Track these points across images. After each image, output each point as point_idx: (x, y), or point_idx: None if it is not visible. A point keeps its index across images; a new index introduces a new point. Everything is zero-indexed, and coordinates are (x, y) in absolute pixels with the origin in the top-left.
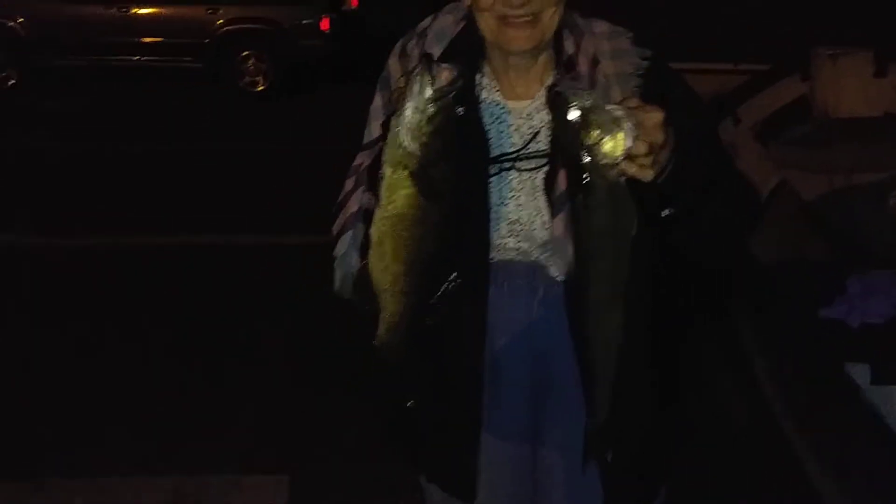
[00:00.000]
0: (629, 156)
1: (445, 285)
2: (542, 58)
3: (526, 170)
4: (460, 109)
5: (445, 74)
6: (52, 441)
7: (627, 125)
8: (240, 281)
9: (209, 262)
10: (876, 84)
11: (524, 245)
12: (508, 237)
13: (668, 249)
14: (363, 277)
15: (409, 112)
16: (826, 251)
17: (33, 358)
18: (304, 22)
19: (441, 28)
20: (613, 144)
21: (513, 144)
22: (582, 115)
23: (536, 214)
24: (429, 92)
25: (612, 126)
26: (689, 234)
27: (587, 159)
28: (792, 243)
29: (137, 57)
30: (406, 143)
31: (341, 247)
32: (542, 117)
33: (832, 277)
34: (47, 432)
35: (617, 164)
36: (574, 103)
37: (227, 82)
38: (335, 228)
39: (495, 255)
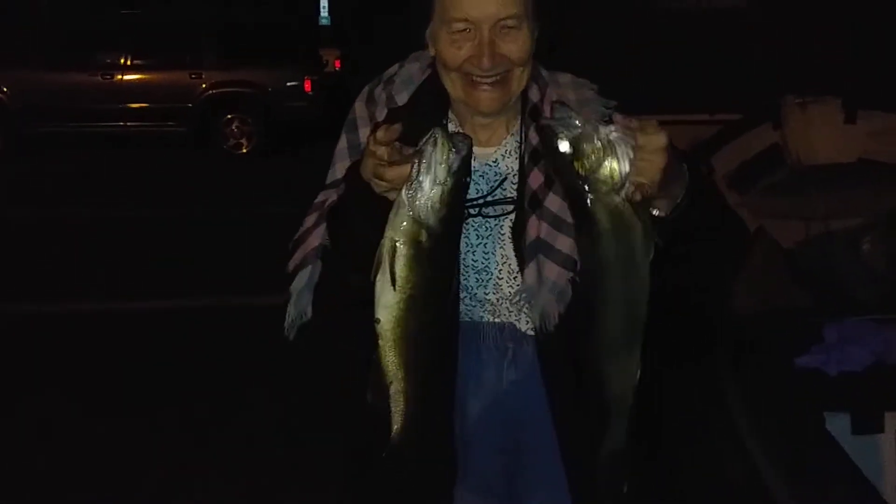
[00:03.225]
0: (634, 181)
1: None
2: (509, 107)
3: (492, 216)
4: (468, 178)
5: (466, 144)
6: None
7: (622, 149)
8: (226, 342)
9: (195, 325)
10: (847, 130)
11: (493, 297)
12: (477, 288)
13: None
14: (376, 372)
15: (428, 185)
16: (804, 299)
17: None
18: (288, 84)
19: (408, 75)
20: (609, 170)
21: (478, 191)
22: (572, 146)
23: (504, 263)
24: (452, 163)
25: (606, 151)
26: (685, 272)
27: (585, 188)
28: (770, 291)
29: (122, 122)
30: (422, 218)
31: (298, 283)
32: (509, 164)
33: (809, 326)
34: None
35: (616, 189)
36: (562, 134)
37: (211, 145)
38: (292, 264)
39: (464, 310)
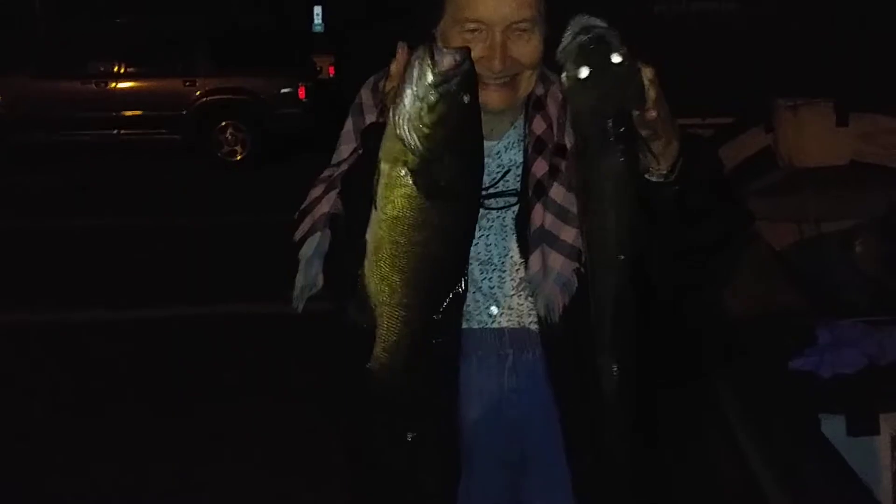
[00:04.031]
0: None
1: (452, 297)
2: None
3: (495, 208)
4: (466, 97)
5: (448, 59)
6: None
7: (646, 70)
8: (223, 347)
9: (192, 332)
10: (839, 133)
11: (498, 290)
12: (482, 280)
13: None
14: (360, 290)
15: (409, 101)
16: (797, 301)
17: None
18: (282, 91)
19: None
20: (638, 88)
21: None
22: (623, 57)
23: (506, 254)
24: (430, 77)
25: (640, 70)
26: (685, 242)
27: (619, 103)
28: (763, 294)
29: (116, 131)
30: (405, 136)
31: (306, 250)
32: (512, 156)
33: (802, 328)
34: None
35: (647, 109)
36: (615, 42)
37: (205, 153)
38: (299, 233)
39: (472, 306)
